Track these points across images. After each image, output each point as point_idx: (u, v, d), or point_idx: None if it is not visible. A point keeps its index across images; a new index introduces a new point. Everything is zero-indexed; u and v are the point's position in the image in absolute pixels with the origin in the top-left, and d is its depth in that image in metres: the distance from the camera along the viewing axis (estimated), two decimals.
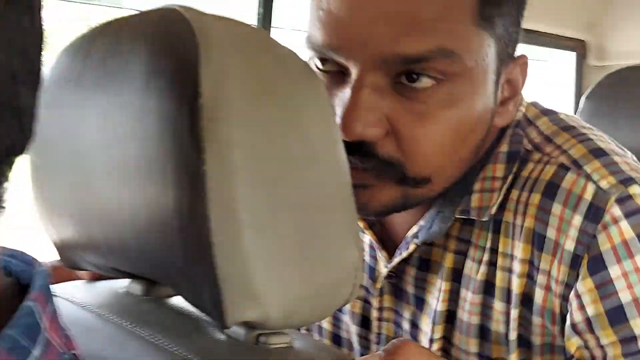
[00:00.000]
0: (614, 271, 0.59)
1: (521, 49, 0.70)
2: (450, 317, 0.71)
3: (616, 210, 0.60)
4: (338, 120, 0.58)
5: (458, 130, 0.63)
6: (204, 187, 0.36)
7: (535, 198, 0.64)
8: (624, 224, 0.60)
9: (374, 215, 0.70)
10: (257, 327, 0.39)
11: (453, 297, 0.71)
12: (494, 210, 0.66)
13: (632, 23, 1.90)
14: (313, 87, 0.42)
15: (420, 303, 0.73)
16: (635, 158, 0.69)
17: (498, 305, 0.67)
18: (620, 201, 0.60)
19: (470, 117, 0.64)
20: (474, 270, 0.69)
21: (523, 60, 0.69)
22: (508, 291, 0.66)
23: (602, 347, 0.61)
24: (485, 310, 0.68)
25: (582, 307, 0.61)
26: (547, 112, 0.72)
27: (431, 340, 0.71)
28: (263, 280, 0.36)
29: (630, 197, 0.60)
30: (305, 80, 0.42)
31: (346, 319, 0.82)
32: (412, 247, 0.71)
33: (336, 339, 0.85)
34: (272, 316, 0.37)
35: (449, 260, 0.71)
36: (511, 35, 0.66)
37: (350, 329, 0.81)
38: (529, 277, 0.64)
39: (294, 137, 0.40)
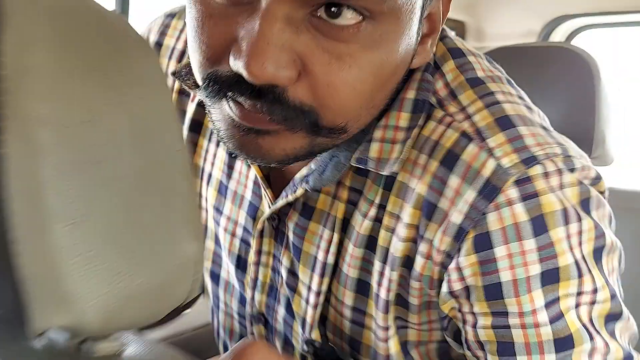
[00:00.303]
0: (500, 251, 0.57)
1: None
2: (333, 269, 0.67)
3: (513, 192, 0.57)
4: (244, 57, 0.50)
5: (379, 74, 0.55)
6: (5, 173, 0.31)
7: (433, 165, 0.60)
8: (518, 207, 0.57)
9: (273, 164, 0.61)
10: (76, 333, 0.34)
11: (338, 249, 0.67)
12: (395, 167, 0.61)
13: (508, 5, 1.95)
14: (146, 62, 0.37)
15: (299, 252, 0.69)
16: (542, 115, 0.66)
17: (377, 264, 0.65)
18: (518, 182, 0.57)
19: (393, 60, 0.56)
20: (359, 223, 0.65)
21: None
22: (387, 252, 0.64)
23: (474, 314, 0.61)
24: (365, 265, 0.66)
25: (462, 279, 0.60)
26: (455, 53, 0.66)
27: (316, 293, 0.69)
28: (77, 280, 0.31)
29: (529, 178, 0.57)
30: (136, 54, 0.37)
31: (225, 257, 0.77)
32: (300, 191, 0.66)
33: (215, 277, 0.81)
34: (89, 320, 0.32)
35: (339, 210, 0.66)
36: None
37: (230, 269, 0.77)
38: (413, 242, 0.62)
39: (119, 116, 0.35)
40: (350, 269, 0.66)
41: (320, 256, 0.67)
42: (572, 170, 0.59)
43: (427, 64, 0.63)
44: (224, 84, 0.53)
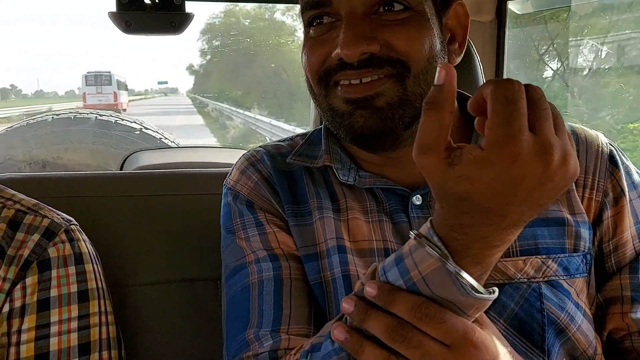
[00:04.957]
0: (54, 272, 0.95)
1: None
2: None
3: (71, 235, 1.01)
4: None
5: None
6: None
7: (1, 229, 0.96)
8: (67, 245, 0.99)
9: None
10: None
11: None
12: None
13: None
14: None
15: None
16: None
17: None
18: (66, 232, 1.00)
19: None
20: None
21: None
22: None
23: (19, 332, 0.91)
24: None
25: (23, 296, 0.93)
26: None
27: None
28: None
29: (72, 230, 1.01)
30: None
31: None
32: None
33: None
34: None
35: None
36: None
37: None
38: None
39: None
40: None
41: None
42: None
43: None
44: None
